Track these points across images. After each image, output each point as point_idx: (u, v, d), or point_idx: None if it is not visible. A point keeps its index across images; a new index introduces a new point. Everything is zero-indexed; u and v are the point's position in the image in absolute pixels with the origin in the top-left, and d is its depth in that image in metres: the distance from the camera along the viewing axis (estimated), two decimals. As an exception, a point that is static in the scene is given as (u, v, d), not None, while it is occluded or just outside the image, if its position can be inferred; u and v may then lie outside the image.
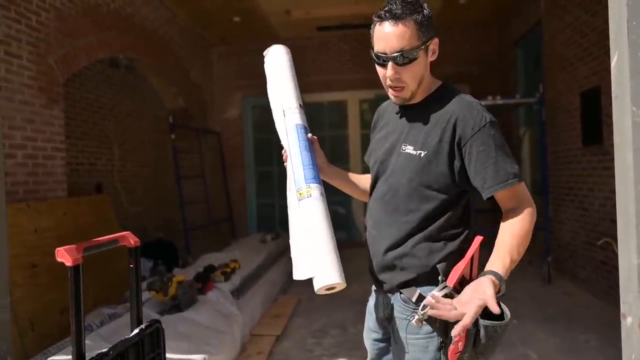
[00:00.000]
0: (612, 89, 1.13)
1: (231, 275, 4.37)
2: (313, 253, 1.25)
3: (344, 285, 1.22)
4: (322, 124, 8.64)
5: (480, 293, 1.11)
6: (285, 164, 1.51)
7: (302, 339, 3.83)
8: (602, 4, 4.29)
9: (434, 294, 1.19)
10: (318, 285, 1.21)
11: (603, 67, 4.33)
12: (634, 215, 1.03)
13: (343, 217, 8.23)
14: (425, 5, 1.34)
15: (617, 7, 1.11)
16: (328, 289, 1.22)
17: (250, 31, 7.60)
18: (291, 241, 1.34)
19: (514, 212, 1.29)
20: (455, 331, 1.09)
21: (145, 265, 5.37)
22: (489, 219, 7.31)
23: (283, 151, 1.53)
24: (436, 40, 1.38)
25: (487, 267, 1.20)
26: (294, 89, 1.62)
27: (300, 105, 1.59)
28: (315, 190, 1.37)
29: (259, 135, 8.54)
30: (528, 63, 6.92)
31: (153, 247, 5.70)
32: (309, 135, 1.53)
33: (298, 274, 1.26)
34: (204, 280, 4.01)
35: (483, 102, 5.15)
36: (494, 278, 1.15)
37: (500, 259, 1.21)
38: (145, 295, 3.48)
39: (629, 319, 1.03)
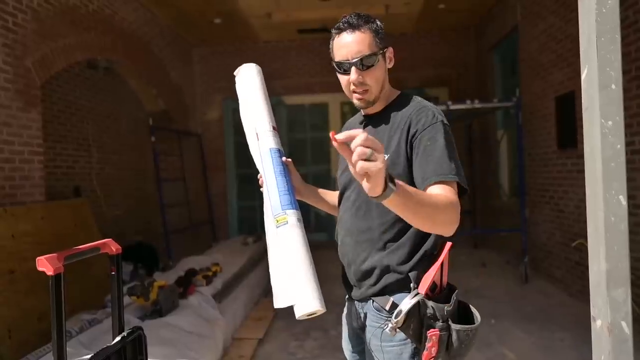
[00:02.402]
0: (582, 102, 1.18)
1: (213, 278, 4.35)
2: (292, 281, 1.27)
3: (323, 311, 1.25)
4: (303, 126, 8.67)
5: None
6: (261, 189, 1.52)
7: (284, 342, 3.84)
8: (575, 12, 4.42)
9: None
10: (299, 313, 1.24)
11: (577, 73, 4.46)
12: (603, 222, 1.08)
13: (324, 219, 8.27)
14: (377, 19, 1.43)
15: (587, 23, 1.16)
16: (309, 315, 1.25)
17: (231, 33, 7.58)
18: (270, 269, 1.35)
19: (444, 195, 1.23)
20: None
21: (125, 269, 5.31)
22: (468, 221, 7.46)
23: (259, 176, 1.55)
24: (391, 49, 1.46)
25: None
26: (267, 110, 1.61)
27: (273, 127, 1.58)
28: (292, 216, 1.38)
29: (240, 138, 8.50)
30: (505, 67, 7.07)
31: (133, 251, 5.63)
32: (284, 158, 1.53)
33: (278, 302, 1.28)
34: (186, 284, 3.98)
35: (462, 106, 5.23)
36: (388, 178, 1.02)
37: (411, 188, 1.14)
38: (126, 300, 3.44)
39: (599, 322, 1.08)
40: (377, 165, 0.95)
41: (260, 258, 5.92)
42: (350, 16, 1.39)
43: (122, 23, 5.63)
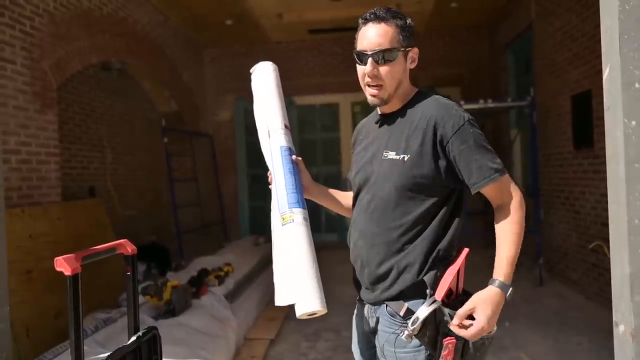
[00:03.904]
0: (605, 101, 1.16)
1: (225, 279, 4.37)
2: (295, 279, 1.27)
3: (324, 312, 1.25)
4: (314, 126, 8.67)
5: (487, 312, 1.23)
6: (270, 186, 1.52)
7: (296, 342, 3.84)
8: (592, 9, 4.35)
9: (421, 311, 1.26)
10: (299, 312, 1.23)
11: (594, 71, 4.39)
12: (626, 226, 1.06)
13: (334, 219, 8.25)
14: (408, 17, 1.42)
15: (609, 20, 1.13)
16: (309, 315, 1.24)
17: (242, 34, 7.61)
18: (274, 266, 1.35)
19: (503, 210, 1.34)
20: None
21: (139, 269, 5.34)
22: (481, 221, 7.38)
23: (269, 173, 1.54)
24: (416, 50, 1.44)
25: (496, 276, 1.28)
26: (280, 109, 1.61)
27: (285, 125, 1.58)
28: (298, 215, 1.37)
29: (251, 138, 8.54)
30: (519, 66, 6.99)
31: (146, 251, 5.67)
32: (294, 157, 1.53)
33: (280, 300, 1.27)
34: (198, 284, 4.00)
35: (474, 105, 5.20)
36: (499, 291, 1.25)
37: (503, 267, 1.28)
38: (140, 299, 3.46)
39: (622, 327, 1.05)
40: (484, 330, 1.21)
41: (271, 258, 5.93)
42: (380, 8, 1.39)
43: (135, 25, 5.68)
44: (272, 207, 1.45)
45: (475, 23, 7.62)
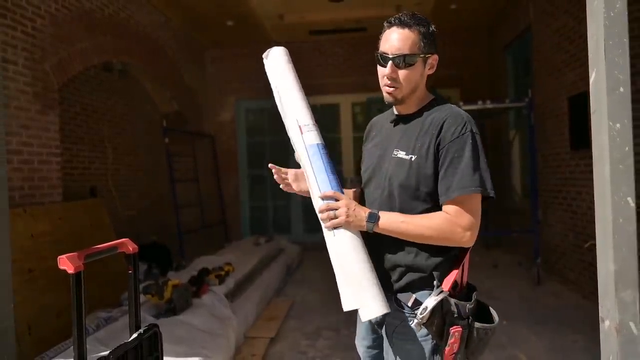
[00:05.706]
0: (591, 104, 1.20)
1: (225, 278, 4.41)
2: (358, 285, 1.33)
3: (388, 311, 1.33)
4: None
5: (358, 219, 1.37)
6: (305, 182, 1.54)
7: (295, 341, 3.87)
8: (589, 11, 4.38)
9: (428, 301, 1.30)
10: (366, 317, 1.31)
11: (590, 73, 4.42)
12: (611, 224, 1.10)
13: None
14: (432, 24, 1.46)
15: (595, 27, 1.17)
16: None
17: (244, 35, 7.64)
18: (335, 270, 1.40)
19: (451, 215, 1.35)
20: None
21: (140, 269, 5.38)
22: (481, 222, 7.41)
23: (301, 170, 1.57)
24: (436, 57, 1.49)
25: (383, 214, 1.38)
26: (306, 101, 1.60)
27: (315, 121, 1.58)
28: None
29: (252, 139, 8.58)
30: (517, 67, 7.02)
31: (147, 250, 5.70)
32: None
33: (346, 305, 1.34)
34: (199, 283, 4.04)
35: (473, 106, 5.23)
36: (367, 222, 1.37)
37: (397, 219, 1.38)
38: (141, 298, 3.50)
39: (607, 322, 1.09)
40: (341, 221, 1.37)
41: (272, 258, 5.97)
42: (405, 13, 1.44)
43: (137, 26, 5.72)
44: (315, 207, 1.45)
45: (475, 24, 7.66)
